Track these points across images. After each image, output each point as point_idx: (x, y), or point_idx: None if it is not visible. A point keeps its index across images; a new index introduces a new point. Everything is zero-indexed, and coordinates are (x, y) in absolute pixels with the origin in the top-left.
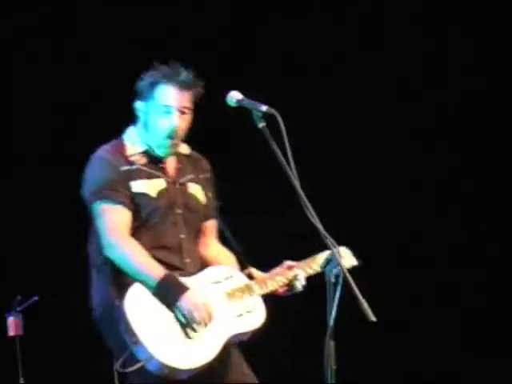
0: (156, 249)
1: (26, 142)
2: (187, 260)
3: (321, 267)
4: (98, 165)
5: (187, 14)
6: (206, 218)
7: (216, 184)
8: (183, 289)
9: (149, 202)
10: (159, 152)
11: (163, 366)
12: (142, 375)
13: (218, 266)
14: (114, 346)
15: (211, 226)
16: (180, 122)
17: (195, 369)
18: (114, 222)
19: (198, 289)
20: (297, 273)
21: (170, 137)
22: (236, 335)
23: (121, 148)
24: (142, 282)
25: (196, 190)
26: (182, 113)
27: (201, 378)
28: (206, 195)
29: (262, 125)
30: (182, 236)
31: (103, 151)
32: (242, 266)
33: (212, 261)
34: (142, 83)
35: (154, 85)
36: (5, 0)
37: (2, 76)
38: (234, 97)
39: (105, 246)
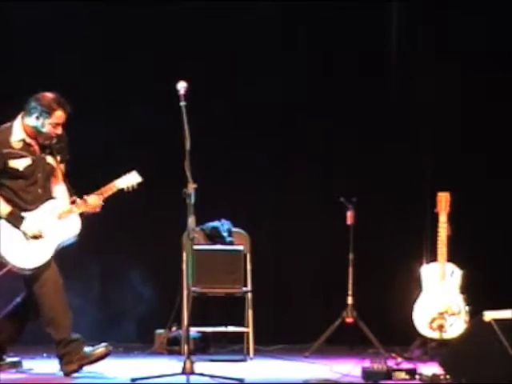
0: (23, 193)
1: None
2: (37, 202)
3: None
4: None
5: None
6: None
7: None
8: (20, 219)
9: (17, 172)
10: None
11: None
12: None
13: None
14: None
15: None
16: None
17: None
18: None
19: (34, 217)
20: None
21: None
22: (63, 241)
23: (7, 134)
24: None
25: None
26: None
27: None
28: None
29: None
30: (39, 190)
31: None
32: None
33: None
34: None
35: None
36: None
37: None
38: None
39: None
